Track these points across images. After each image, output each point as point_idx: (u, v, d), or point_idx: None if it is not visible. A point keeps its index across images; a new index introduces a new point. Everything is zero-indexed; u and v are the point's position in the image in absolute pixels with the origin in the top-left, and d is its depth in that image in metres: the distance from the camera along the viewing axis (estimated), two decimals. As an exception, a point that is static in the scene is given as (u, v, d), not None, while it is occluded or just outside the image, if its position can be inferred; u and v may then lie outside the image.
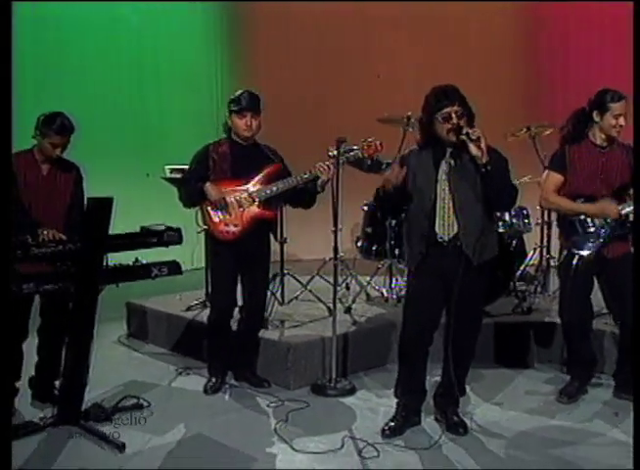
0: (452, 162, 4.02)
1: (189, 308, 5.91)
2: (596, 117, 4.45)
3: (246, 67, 9.13)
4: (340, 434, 4.19)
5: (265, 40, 9.01)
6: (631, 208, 4.39)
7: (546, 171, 4.68)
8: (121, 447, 4.00)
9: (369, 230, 6.24)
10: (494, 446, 4.06)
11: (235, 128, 4.75)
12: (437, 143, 4.03)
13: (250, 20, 9.17)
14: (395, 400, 4.31)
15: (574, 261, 4.49)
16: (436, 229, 4.01)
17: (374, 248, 6.18)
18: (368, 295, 6.15)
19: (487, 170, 3.88)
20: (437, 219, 4.01)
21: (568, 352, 4.87)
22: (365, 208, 6.28)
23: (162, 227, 4.26)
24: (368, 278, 6.23)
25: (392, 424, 4.20)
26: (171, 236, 4.27)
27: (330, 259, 6.42)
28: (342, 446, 4.04)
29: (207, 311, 5.49)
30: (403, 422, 4.21)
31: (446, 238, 4.02)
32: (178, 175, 5.85)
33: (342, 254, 6.46)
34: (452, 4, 8.65)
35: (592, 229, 4.48)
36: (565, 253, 4.61)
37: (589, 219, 4.47)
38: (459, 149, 3.98)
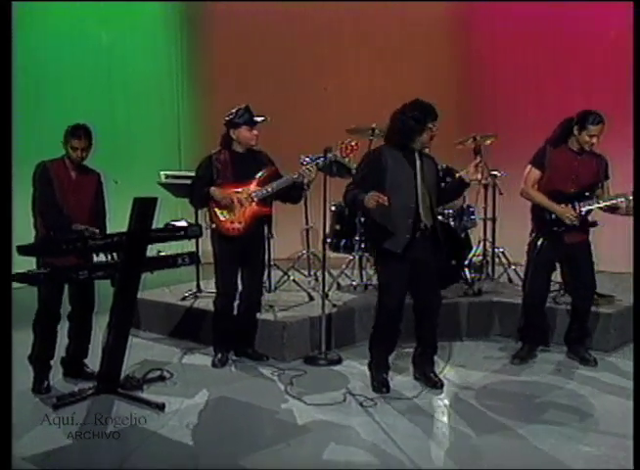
0: (420, 163, 4.96)
1: (184, 298, 6.67)
2: (575, 130, 5.37)
3: (205, 82, 9.90)
4: (339, 392, 5.07)
5: (224, 57, 9.72)
6: (591, 206, 5.39)
7: (529, 166, 5.56)
8: (162, 407, 4.75)
9: (337, 227, 7.11)
10: (466, 395, 5.03)
11: (242, 139, 5.51)
12: (407, 146, 4.93)
13: (210, 37, 9.91)
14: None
15: (539, 243, 5.49)
16: (422, 217, 4.91)
17: (342, 243, 7.06)
18: (339, 284, 7.03)
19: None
20: (422, 210, 4.92)
21: (524, 320, 5.78)
22: (333, 208, 7.13)
23: (185, 223, 5.07)
24: (337, 270, 7.09)
25: (377, 382, 5.08)
26: (194, 230, 5.09)
27: (303, 255, 7.36)
28: (345, 399, 4.94)
29: (201, 301, 6.33)
30: (386, 377, 5.12)
31: (429, 225, 4.95)
32: (173, 181, 6.66)
33: (312, 249, 7.41)
34: (391, 20, 9.37)
35: (555, 217, 5.41)
36: (532, 235, 5.59)
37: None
38: (421, 153, 4.98)
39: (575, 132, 5.38)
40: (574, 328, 5.72)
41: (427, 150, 6.57)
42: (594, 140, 5.34)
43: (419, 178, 4.92)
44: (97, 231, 4.88)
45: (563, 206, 5.39)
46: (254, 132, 5.51)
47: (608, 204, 5.41)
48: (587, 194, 5.42)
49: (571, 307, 5.75)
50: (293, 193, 5.72)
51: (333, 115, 8.88)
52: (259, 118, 5.56)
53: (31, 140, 7.98)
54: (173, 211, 6.77)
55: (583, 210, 5.41)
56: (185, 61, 9.95)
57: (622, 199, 5.34)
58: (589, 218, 5.52)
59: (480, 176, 4.97)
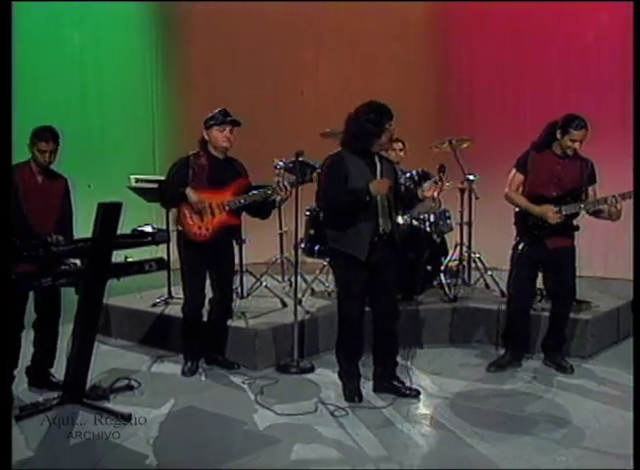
0: (380, 167, 4.86)
1: (154, 305, 6.53)
2: (558, 134, 5.30)
3: (179, 85, 9.75)
4: (311, 401, 4.95)
5: (198, 60, 9.60)
6: (574, 210, 5.32)
7: (513, 170, 5.51)
8: (127, 418, 4.60)
9: (312, 232, 6.99)
10: (441, 404, 4.92)
11: (214, 141, 5.40)
12: (366, 150, 4.82)
13: (184, 40, 9.76)
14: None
15: (520, 247, 5.42)
16: (381, 225, 4.82)
17: (316, 248, 6.94)
18: (313, 290, 6.91)
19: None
20: (380, 217, 4.83)
21: (507, 326, 5.69)
22: (308, 212, 7.02)
23: (152, 229, 4.93)
24: (312, 276, 6.97)
25: (350, 390, 4.96)
26: (161, 236, 4.93)
27: (277, 260, 7.23)
28: (316, 409, 4.81)
29: (171, 307, 6.19)
30: (358, 386, 4.99)
31: (387, 231, 4.85)
32: (143, 185, 6.52)
33: (287, 254, 7.29)
34: (366, 23, 9.32)
35: (536, 221, 5.34)
36: (515, 240, 5.51)
37: (537, 217, 5.34)
38: (381, 156, 4.89)
39: (558, 136, 5.31)
40: (552, 335, 5.63)
41: (401, 153, 6.56)
42: (576, 145, 5.27)
43: None
44: (61, 238, 4.73)
45: (541, 206, 5.33)
46: (226, 134, 5.38)
47: (590, 207, 5.34)
48: (569, 198, 5.34)
49: (550, 314, 5.67)
50: (263, 208, 5.61)
51: (309, 118, 8.78)
52: (230, 119, 5.41)
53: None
54: (147, 216, 6.64)
55: (564, 213, 5.32)
56: (160, 63, 9.78)
57: (605, 202, 5.25)
58: (573, 223, 5.44)
59: (435, 195, 4.98)
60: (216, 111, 5.44)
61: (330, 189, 4.80)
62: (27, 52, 8.66)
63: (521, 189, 5.45)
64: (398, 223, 5.14)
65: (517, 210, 5.50)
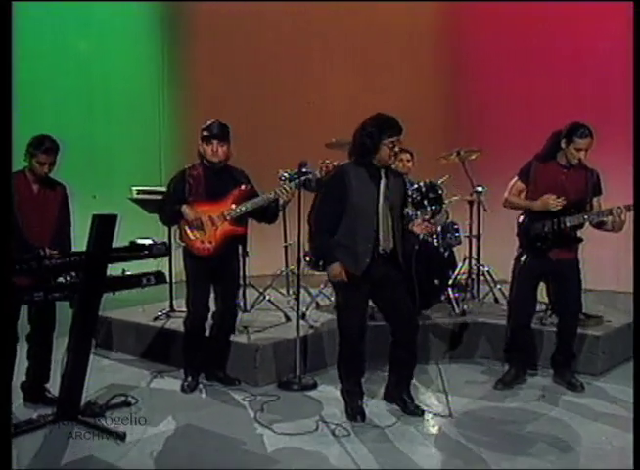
0: (386, 182, 4.69)
1: (156, 319, 6.40)
2: (563, 144, 5.17)
3: (186, 94, 9.67)
4: (312, 419, 4.79)
5: (205, 69, 9.53)
6: (578, 222, 5.17)
7: (515, 178, 5.39)
8: (122, 436, 4.47)
9: (317, 245, 6.84)
10: (446, 424, 4.75)
11: (204, 154, 5.31)
12: (372, 163, 4.67)
13: (191, 49, 9.71)
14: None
15: (522, 259, 5.27)
16: (380, 243, 4.67)
17: (321, 262, 6.79)
18: (318, 303, 6.77)
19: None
20: (381, 234, 4.67)
21: (510, 341, 5.53)
22: (313, 224, 6.88)
23: (151, 241, 4.80)
24: (317, 289, 6.83)
25: (352, 409, 4.81)
26: (159, 249, 4.79)
27: (282, 273, 7.10)
28: (317, 428, 4.65)
29: (173, 321, 6.06)
30: (360, 404, 4.83)
31: (388, 250, 4.69)
32: (145, 196, 6.40)
33: (291, 266, 7.15)
34: (376, 31, 9.29)
35: (539, 232, 5.21)
36: (517, 252, 5.37)
37: (540, 228, 5.21)
38: (389, 170, 4.71)
39: (563, 145, 5.18)
40: (561, 351, 5.46)
41: (409, 164, 6.41)
42: (582, 154, 5.14)
43: (381, 199, 4.66)
44: (54, 252, 4.61)
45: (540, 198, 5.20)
46: (212, 148, 5.27)
47: (594, 218, 5.19)
48: (573, 210, 5.19)
49: (557, 329, 5.51)
50: (268, 213, 5.48)
51: (315, 129, 8.67)
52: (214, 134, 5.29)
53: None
54: (154, 227, 6.49)
55: (568, 225, 5.17)
56: (167, 70, 9.71)
57: (610, 214, 5.11)
58: (577, 234, 5.30)
59: (420, 232, 4.90)
60: (208, 123, 5.34)
61: (320, 212, 4.73)
62: (32, 60, 8.60)
63: (522, 196, 5.34)
64: (407, 240, 4.92)
65: (519, 221, 5.36)
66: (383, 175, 4.68)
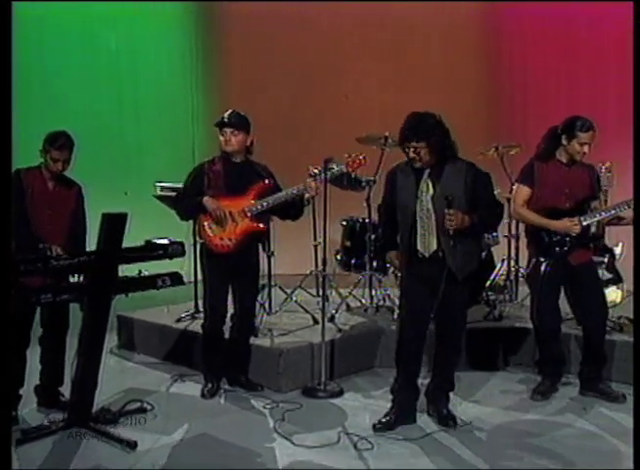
0: (430, 182, 4.39)
1: (179, 320, 6.18)
2: (564, 140, 4.86)
3: (220, 88, 9.44)
4: (334, 430, 4.52)
5: (239, 63, 9.32)
6: (593, 219, 4.84)
7: (516, 185, 5.09)
8: (133, 446, 4.27)
9: (348, 244, 6.59)
10: (477, 438, 4.44)
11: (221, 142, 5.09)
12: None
13: (224, 43, 9.48)
14: (385, 400, 4.66)
15: (542, 268, 4.90)
16: (418, 245, 4.40)
17: (352, 261, 6.53)
18: (348, 305, 6.49)
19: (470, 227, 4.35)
20: (418, 236, 4.40)
21: (539, 353, 5.24)
22: (344, 223, 6.62)
23: (167, 241, 4.58)
24: (347, 290, 6.55)
25: (385, 420, 4.53)
26: (175, 249, 4.56)
27: (311, 273, 6.82)
28: (339, 440, 4.38)
29: (197, 322, 5.83)
30: (396, 418, 4.54)
31: (426, 254, 4.40)
32: (170, 193, 6.18)
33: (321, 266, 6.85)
34: (415, 25, 9.04)
35: (557, 237, 4.88)
36: (533, 261, 5.01)
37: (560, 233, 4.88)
38: (436, 169, 4.38)
39: (564, 142, 4.87)
40: (593, 360, 5.09)
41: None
42: (585, 149, 4.83)
43: (419, 202, 4.39)
44: (61, 252, 4.41)
45: (561, 221, 4.88)
46: (226, 137, 5.05)
47: (611, 214, 4.86)
48: (585, 207, 4.88)
49: (583, 337, 5.15)
50: (291, 209, 5.23)
51: (351, 124, 8.37)
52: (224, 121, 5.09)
53: (35, 148, 7.64)
54: (184, 225, 6.28)
55: (584, 223, 4.85)
56: (199, 65, 9.51)
57: (626, 206, 4.81)
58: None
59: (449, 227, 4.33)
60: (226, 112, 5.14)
61: (383, 205, 4.79)
62: (61, 56, 8.49)
63: (526, 205, 5.00)
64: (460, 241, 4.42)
65: (531, 230, 5.04)
66: (427, 175, 4.40)
